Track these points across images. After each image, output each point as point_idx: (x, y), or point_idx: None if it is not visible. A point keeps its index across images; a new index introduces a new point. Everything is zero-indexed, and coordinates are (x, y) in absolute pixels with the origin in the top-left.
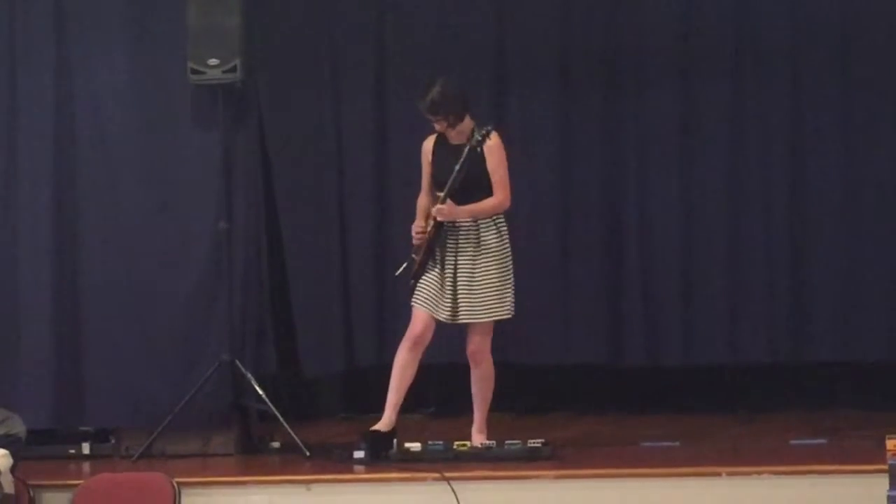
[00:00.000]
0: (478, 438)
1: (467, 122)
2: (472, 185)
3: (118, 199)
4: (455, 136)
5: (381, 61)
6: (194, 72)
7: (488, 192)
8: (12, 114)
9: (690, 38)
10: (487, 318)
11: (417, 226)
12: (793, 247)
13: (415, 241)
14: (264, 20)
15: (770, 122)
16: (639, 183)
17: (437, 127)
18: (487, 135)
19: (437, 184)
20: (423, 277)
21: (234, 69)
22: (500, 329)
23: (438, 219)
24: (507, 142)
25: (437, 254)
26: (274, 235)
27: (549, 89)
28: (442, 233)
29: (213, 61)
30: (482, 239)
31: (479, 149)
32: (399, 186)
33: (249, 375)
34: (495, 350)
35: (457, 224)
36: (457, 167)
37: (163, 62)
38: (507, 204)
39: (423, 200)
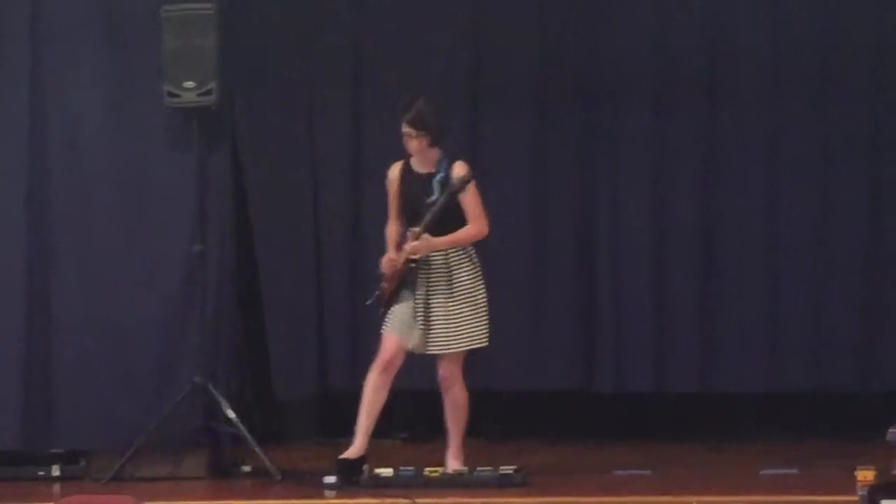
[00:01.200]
0: (453, 464)
1: (435, 150)
2: (446, 218)
3: (91, 220)
4: (421, 164)
5: (356, 84)
6: (170, 94)
7: (461, 222)
8: None
9: (665, 61)
10: (458, 348)
11: (388, 258)
12: (766, 276)
13: (384, 271)
14: (240, 42)
15: (745, 147)
16: (612, 209)
17: (412, 146)
18: (469, 179)
19: (405, 213)
20: (396, 305)
21: (209, 92)
22: (472, 355)
23: (412, 257)
24: (482, 165)
25: (410, 285)
26: (248, 259)
27: (523, 112)
28: (414, 266)
29: (188, 84)
30: (454, 271)
31: (459, 192)
32: (375, 210)
33: (221, 399)
34: (468, 376)
35: (429, 256)
36: (435, 206)
37: (138, 84)
38: (486, 231)
39: (391, 229)
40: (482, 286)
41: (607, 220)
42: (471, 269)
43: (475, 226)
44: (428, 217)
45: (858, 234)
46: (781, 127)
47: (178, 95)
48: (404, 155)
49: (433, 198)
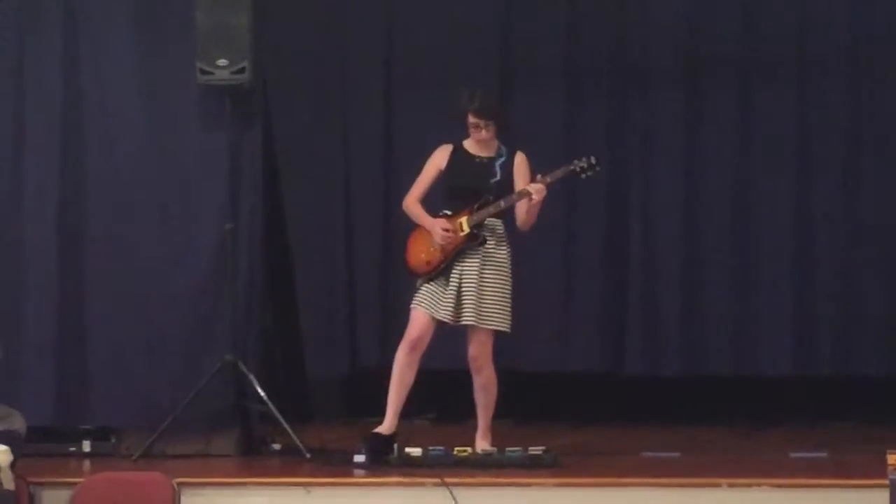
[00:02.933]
0: (482, 444)
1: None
2: (506, 194)
3: (123, 197)
4: (481, 149)
5: (388, 63)
6: (203, 72)
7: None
8: (20, 111)
9: (696, 39)
10: (485, 324)
11: (444, 228)
12: (796, 260)
13: (442, 242)
14: (273, 21)
15: (776, 131)
16: (643, 190)
17: (482, 135)
18: (513, 150)
19: (451, 190)
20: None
21: (242, 70)
22: (501, 336)
23: (536, 198)
24: (511, 146)
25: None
26: (279, 237)
27: (554, 90)
28: (478, 234)
29: (222, 62)
30: (489, 252)
31: (505, 158)
32: (406, 188)
33: (252, 376)
34: (498, 357)
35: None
36: (492, 181)
37: (171, 62)
38: None
39: (414, 205)
40: (510, 275)
41: (638, 202)
42: (505, 254)
43: None
44: (559, 173)
45: (889, 220)
46: (814, 108)
47: (210, 73)
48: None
49: (496, 179)
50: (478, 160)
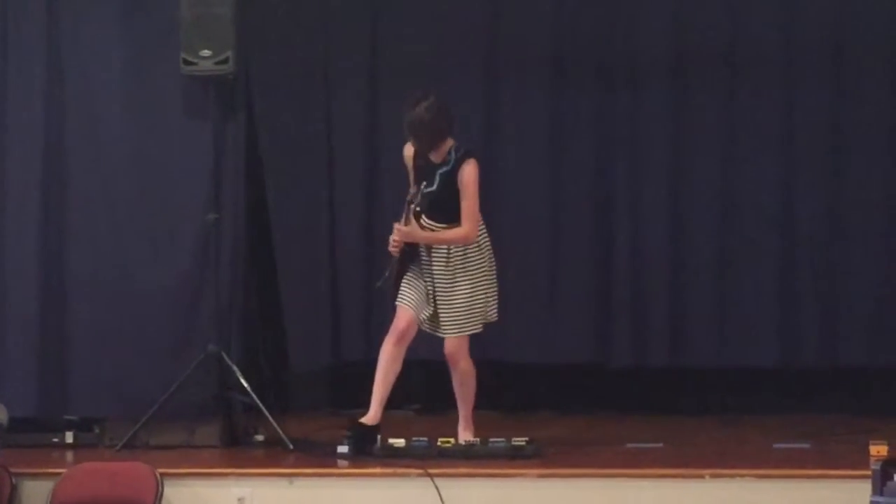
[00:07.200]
0: (464, 436)
1: (447, 142)
2: (443, 206)
3: (106, 188)
4: (434, 154)
5: (373, 53)
6: (186, 63)
7: (458, 214)
8: (0, 103)
9: (684, 37)
10: (457, 333)
11: (392, 238)
12: (781, 251)
13: (391, 250)
14: (257, 11)
15: (762, 124)
16: (629, 182)
17: (412, 142)
18: (464, 157)
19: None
20: (408, 279)
21: (226, 61)
22: (486, 328)
23: (397, 238)
24: (498, 138)
25: (414, 263)
26: (263, 228)
27: (540, 87)
28: (413, 248)
29: (205, 52)
30: (452, 258)
31: (449, 167)
32: (389, 181)
33: (235, 367)
34: (482, 348)
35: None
36: (425, 190)
37: (155, 52)
38: (472, 238)
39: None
40: (486, 272)
41: (624, 195)
42: (476, 257)
43: (463, 227)
44: (415, 202)
45: (873, 209)
46: (800, 103)
47: (194, 63)
48: None
49: (431, 189)
50: (428, 162)
